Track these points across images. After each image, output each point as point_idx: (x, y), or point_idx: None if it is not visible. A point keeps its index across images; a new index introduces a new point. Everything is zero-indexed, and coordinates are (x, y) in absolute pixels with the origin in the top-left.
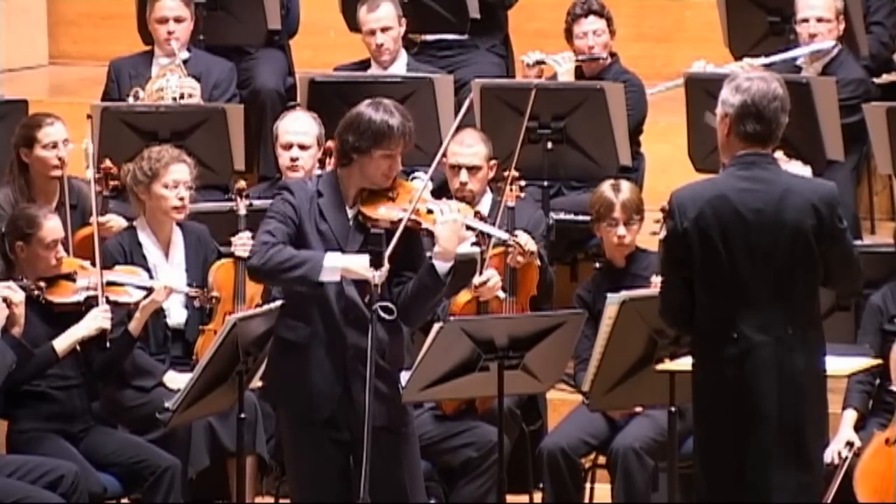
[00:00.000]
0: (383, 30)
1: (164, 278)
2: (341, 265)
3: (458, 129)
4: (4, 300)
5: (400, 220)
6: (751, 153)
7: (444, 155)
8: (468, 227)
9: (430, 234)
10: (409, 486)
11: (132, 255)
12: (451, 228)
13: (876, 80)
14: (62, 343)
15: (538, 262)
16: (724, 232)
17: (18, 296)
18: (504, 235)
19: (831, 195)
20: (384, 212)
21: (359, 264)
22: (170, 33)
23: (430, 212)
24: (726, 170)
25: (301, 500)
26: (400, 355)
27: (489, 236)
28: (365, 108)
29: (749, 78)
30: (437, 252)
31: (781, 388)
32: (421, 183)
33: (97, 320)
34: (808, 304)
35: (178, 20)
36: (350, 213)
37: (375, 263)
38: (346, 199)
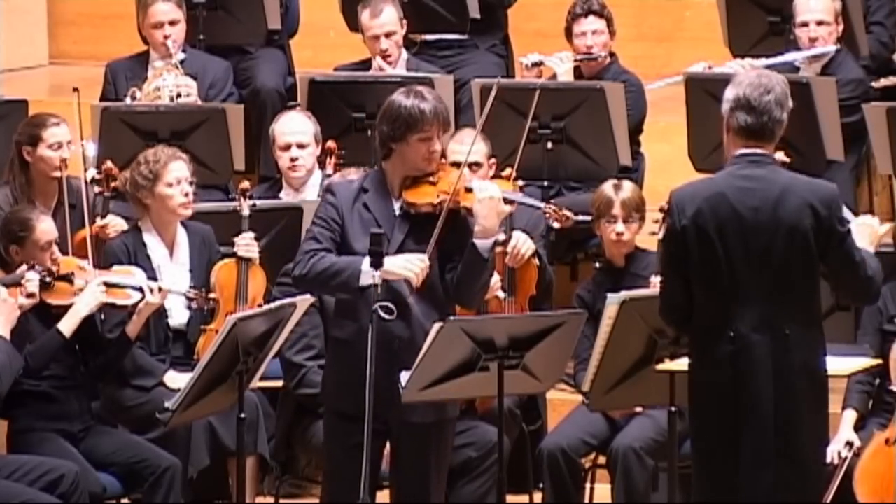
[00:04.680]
0: (387, 35)
1: (167, 279)
2: (380, 268)
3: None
4: (23, 293)
5: (441, 204)
6: (749, 152)
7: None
8: (505, 201)
9: (470, 211)
10: (435, 483)
11: (136, 255)
12: (489, 205)
13: (874, 85)
14: (66, 324)
15: (537, 262)
16: (722, 230)
17: (34, 284)
18: (540, 204)
19: (831, 196)
20: (425, 197)
21: (397, 265)
22: (166, 37)
23: (468, 190)
24: (726, 168)
25: (331, 488)
26: None
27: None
28: (397, 95)
29: (748, 75)
30: (478, 230)
31: (776, 387)
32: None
33: (95, 295)
34: (806, 304)
35: (172, 23)
36: (396, 203)
37: (375, 263)
38: (391, 190)
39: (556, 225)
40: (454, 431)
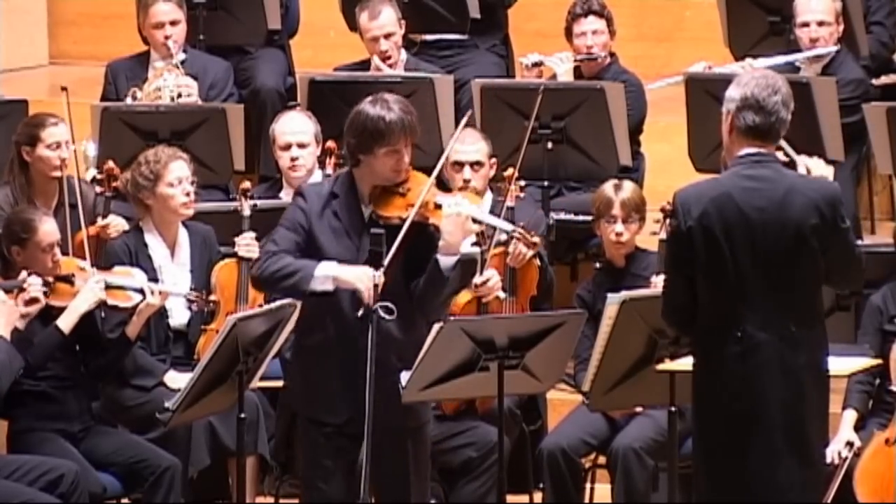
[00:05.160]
0: (386, 36)
1: (169, 279)
2: (333, 274)
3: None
4: (24, 299)
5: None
6: (754, 152)
7: (446, 156)
8: (474, 220)
9: (437, 228)
10: (416, 486)
11: (137, 255)
12: (455, 222)
13: (875, 82)
14: (65, 321)
15: (538, 262)
16: (728, 230)
17: (36, 289)
18: (510, 227)
19: (834, 194)
20: (394, 209)
21: (351, 274)
22: (166, 37)
23: (437, 206)
24: (730, 169)
25: (309, 495)
26: (415, 355)
27: (490, 236)
28: (364, 105)
29: (752, 76)
30: (441, 245)
31: (784, 386)
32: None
33: (94, 292)
34: (811, 302)
35: (173, 23)
36: (366, 211)
37: (375, 264)
38: (362, 198)
39: (523, 249)
40: (430, 434)
